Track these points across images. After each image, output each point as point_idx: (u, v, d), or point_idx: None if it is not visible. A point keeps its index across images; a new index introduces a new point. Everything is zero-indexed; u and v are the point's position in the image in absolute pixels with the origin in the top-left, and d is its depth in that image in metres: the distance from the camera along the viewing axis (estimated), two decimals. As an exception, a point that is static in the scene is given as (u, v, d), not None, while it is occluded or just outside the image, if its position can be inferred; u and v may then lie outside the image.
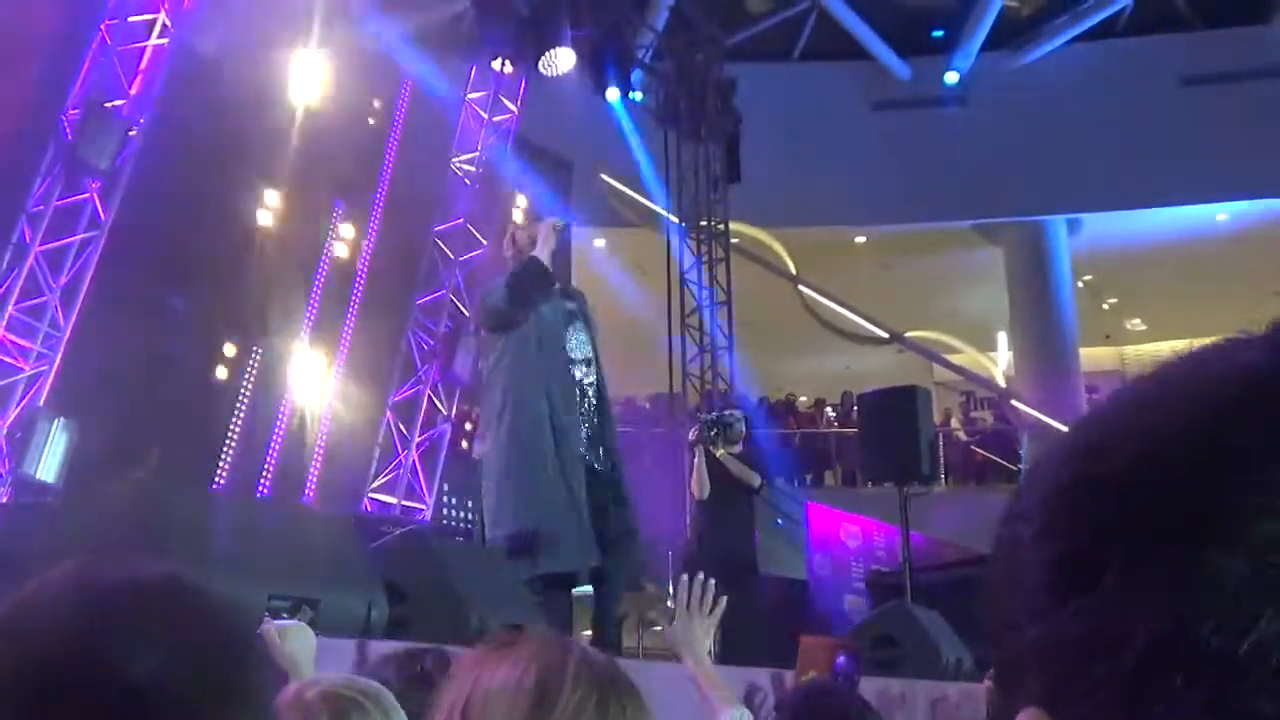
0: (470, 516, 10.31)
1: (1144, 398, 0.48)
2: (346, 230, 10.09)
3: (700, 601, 2.78)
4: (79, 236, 8.09)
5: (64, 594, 0.87)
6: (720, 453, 7.26)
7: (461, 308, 10.77)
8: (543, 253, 5.66)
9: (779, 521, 11.76)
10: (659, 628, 9.91)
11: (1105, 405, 0.50)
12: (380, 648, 2.27)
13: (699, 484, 7.28)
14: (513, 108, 11.63)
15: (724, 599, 2.81)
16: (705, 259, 12.28)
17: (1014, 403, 17.05)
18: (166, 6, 8.70)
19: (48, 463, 7.25)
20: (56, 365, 7.84)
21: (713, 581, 2.81)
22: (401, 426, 10.28)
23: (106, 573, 0.90)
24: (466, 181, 11.20)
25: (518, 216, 11.24)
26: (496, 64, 11.31)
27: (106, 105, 8.24)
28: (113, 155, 8.10)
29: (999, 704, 0.52)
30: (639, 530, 5.71)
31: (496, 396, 5.63)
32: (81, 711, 0.81)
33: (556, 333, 5.68)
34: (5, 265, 7.77)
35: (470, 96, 11.45)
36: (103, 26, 8.40)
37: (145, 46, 8.61)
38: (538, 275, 5.61)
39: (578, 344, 5.73)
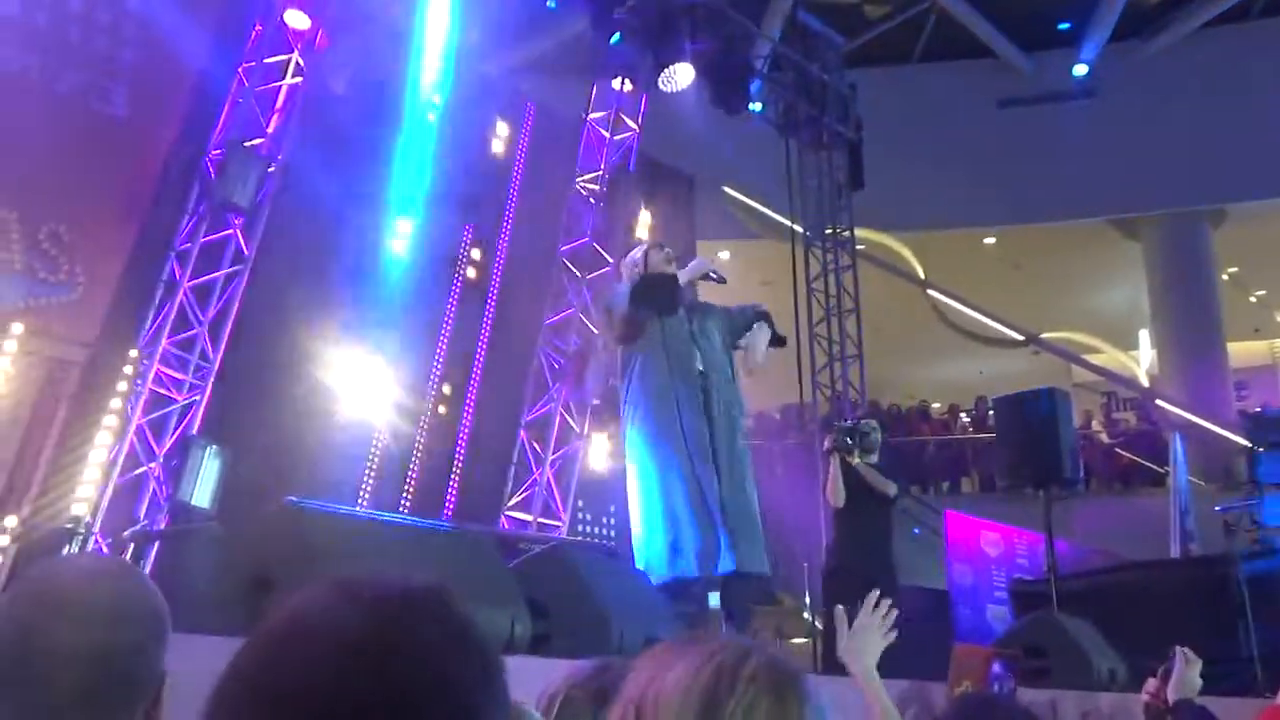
0: (608, 532, 10.40)
1: None
2: (476, 253, 10.27)
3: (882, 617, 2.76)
4: (224, 271, 8.37)
5: (335, 604, 0.89)
6: (856, 461, 7.19)
7: (590, 325, 10.86)
8: (682, 278, 5.74)
9: (915, 531, 11.57)
10: (797, 640, 9.85)
11: None
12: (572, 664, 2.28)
13: (835, 492, 7.20)
14: (634, 125, 11.72)
15: (895, 613, 2.77)
16: (831, 267, 12.18)
17: (1159, 402, 16.51)
18: (299, 48, 8.99)
19: (202, 489, 7.48)
20: (207, 395, 8.10)
21: (889, 603, 2.78)
22: (535, 445, 10.40)
23: (373, 583, 0.91)
24: (591, 200, 11.31)
25: (644, 234, 11.32)
26: (616, 83, 11.41)
27: (246, 145, 8.50)
28: (253, 192, 8.36)
29: None
30: (755, 525, 5.67)
31: (631, 401, 5.69)
32: (368, 714, 0.82)
33: (687, 349, 5.72)
34: (158, 302, 8.11)
35: (591, 116, 11.57)
36: (240, 70, 8.73)
37: (280, 86, 8.90)
38: (665, 284, 5.66)
39: (704, 360, 5.76)
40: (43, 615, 1.40)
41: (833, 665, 6.69)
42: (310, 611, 0.89)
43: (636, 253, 6.14)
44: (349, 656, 0.83)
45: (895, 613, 2.77)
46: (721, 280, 5.94)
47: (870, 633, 2.73)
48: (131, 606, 1.47)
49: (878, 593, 2.81)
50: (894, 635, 2.76)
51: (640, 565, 5.55)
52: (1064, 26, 17.24)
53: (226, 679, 0.88)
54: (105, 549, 7.16)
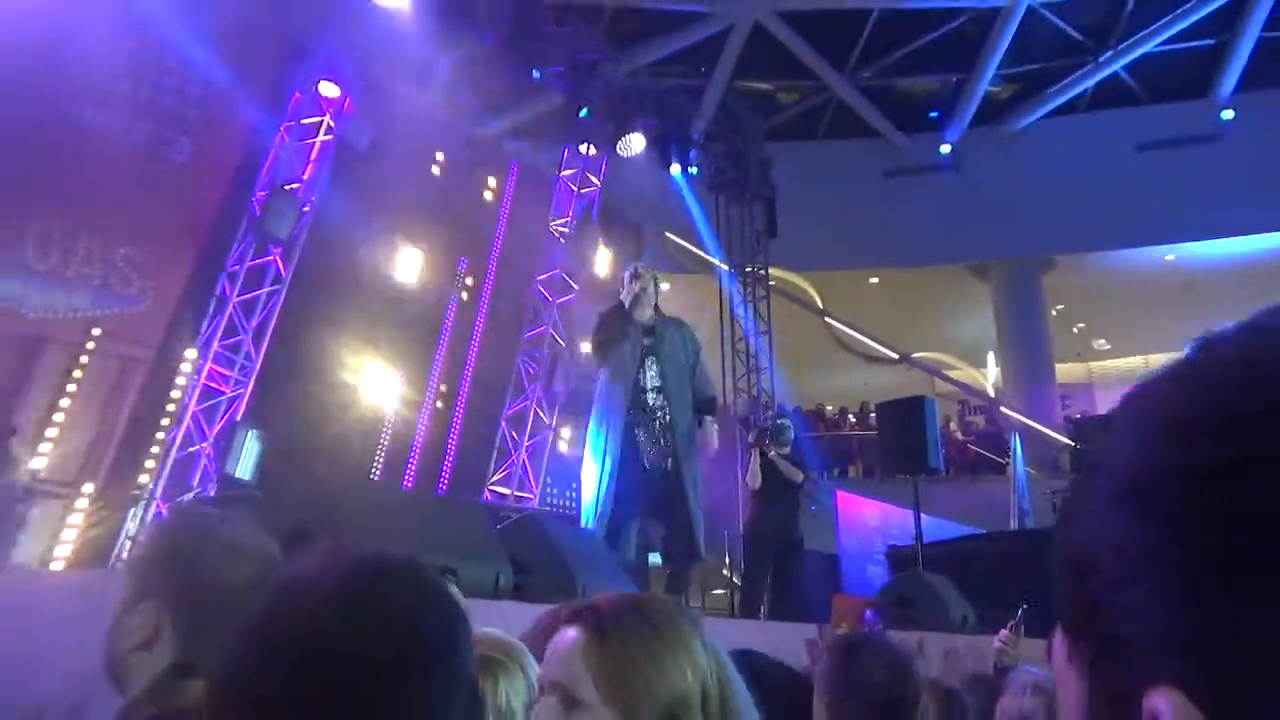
0: (571, 503, 10.38)
1: (1222, 373, 0.38)
2: (469, 281, 10.24)
3: None
4: (265, 289, 8.30)
5: (320, 569, 0.87)
6: (772, 453, 7.19)
7: (560, 339, 10.87)
8: (626, 298, 5.67)
9: (813, 508, 11.66)
10: (718, 591, 9.86)
11: (1176, 380, 0.40)
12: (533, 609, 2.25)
13: (753, 477, 7.20)
14: (596, 182, 11.74)
15: None
16: (750, 298, 12.28)
17: (1002, 409, 16.79)
18: (330, 112, 8.94)
19: (244, 464, 7.42)
20: (250, 388, 8.03)
21: None
22: (513, 433, 10.38)
23: (354, 552, 0.90)
24: (561, 240, 11.31)
25: (603, 269, 11.33)
26: (583, 148, 11.44)
27: (286, 188, 8.46)
28: (290, 226, 8.32)
29: (1085, 668, 0.39)
30: (696, 521, 5.65)
31: (592, 414, 5.65)
32: (342, 673, 0.81)
33: (628, 369, 5.63)
34: (211, 312, 8.03)
35: (563, 174, 11.58)
36: (282, 127, 8.66)
37: (314, 142, 8.85)
38: (613, 324, 5.59)
39: (650, 377, 5.70)
40: (209, 552, 1.36)
41: (746, 610, 6.73)
42: (298, 577, 0.88)
43: (625, 273, 6.06)
44: (329, 612, 0.83)
45: None
46: (651, 277, 5.91)
47: None
48: (266, 548, 1.43)
49: None
50: None
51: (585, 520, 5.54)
52: (933, 114, 17.53)
53: (238, 630, 0.87)
54: (164, 511, 7.07)
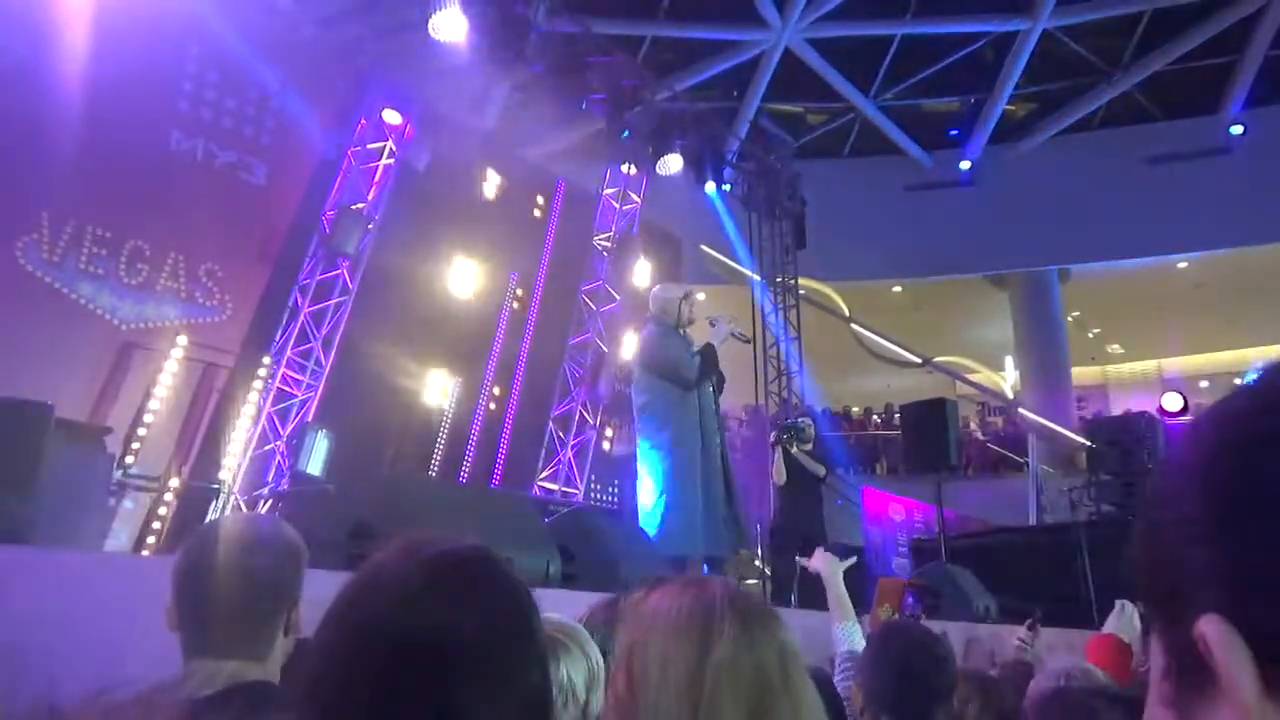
0: (612, 499, 10.38)
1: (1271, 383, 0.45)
2: (519, 291, 10.29)
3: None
4: (334, 300, 8.42)
5: (402, 560, 0.87)
6: (795, 450, 7.15)
7: (603, 346, 10.89)
8: (715, 341, 5.67)
9: (840, 502, 11.57)
10: (750, 581, 9.80)
11: (1239, 394, 0.46)
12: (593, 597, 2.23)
13: (778, 473, 7.17)
14: (637, 199, 11.75)
15: (854, 558, 2.89)
16: (780, 306, 12.21)
17: (1020, 411, 16.55)
18: (392, 136, 9.05)
19: (314, 461, 7.51)
20: (320, 392, 8.14)
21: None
22: (560, 432, 10.40)
23: (432, 543, 0.90)
24: (604, 254, 11.33)
25: (644, 280, 11.32)
26: (625, 167, 11.45)
27: (352, 207, 8.57)
28: (357, 242, 8.42)
29: (1158, 631, 0.45)
30: (741, 513, 5.68)
31: (656, 421, 5.49)
32: (427, 655, 0.81)
33: (702, 387, 5.68)
34: (284, 322, 8.14)
35: (605, 192, 11.59)
36: (349, 152, 8.78)
37: (378, 165, 8.96)
38: (713, 360, 5.64)
39: (711, 391, 5.70)
40: (206, 547, 1.46)
41: (778, 599, 6.70)
42: (384, 565, 0.88)
43: (671, 294, 5.89)
44: (411, 602, 0.83)
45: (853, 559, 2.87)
46: (746, 340, 5.83)
47: (835, 560, 2.83)
48: (268, 541, 1.49)
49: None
50: (852, 560, 2.85)
51: (657, 539, 5.43)
52: (953, 133, 17.34)
53: (329, 614, 0.87)
54: (243, 504, 7.18)
